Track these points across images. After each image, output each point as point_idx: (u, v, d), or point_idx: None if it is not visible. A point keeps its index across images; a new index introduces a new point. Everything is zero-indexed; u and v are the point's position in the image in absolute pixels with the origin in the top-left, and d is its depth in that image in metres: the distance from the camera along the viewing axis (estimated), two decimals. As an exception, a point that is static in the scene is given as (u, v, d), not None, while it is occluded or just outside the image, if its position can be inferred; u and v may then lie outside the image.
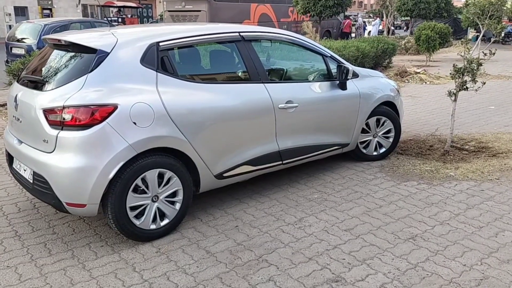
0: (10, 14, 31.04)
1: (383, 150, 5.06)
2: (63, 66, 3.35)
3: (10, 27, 26.51)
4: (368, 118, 4.79)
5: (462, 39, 5.57)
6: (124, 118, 3.06)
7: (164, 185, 3.30)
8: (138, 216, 3.22)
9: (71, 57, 3.36)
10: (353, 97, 4.57)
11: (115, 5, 32.75)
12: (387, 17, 22.23)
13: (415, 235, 3.36)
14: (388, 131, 5.03)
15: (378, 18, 26.37)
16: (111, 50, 3.21)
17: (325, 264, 2.98)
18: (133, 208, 3.18)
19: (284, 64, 4.63)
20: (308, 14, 18.54)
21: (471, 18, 10.98)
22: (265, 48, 4.51)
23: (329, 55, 4.51)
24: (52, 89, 3.18)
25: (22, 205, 3.97)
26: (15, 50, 11.99)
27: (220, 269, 2.94)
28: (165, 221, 3.36)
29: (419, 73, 11.48)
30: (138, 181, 3.16)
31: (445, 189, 4.21)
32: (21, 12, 32.01)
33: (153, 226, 3.29)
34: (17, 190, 4.27)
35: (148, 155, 3.18)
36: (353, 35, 24.34)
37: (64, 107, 3.00)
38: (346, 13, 24.76)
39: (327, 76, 4.48)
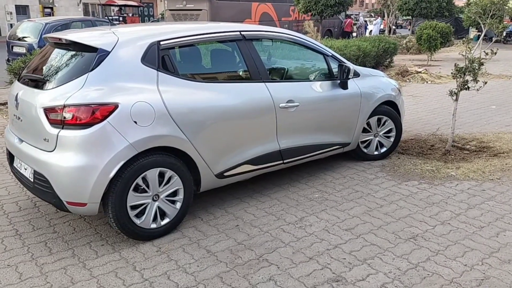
0: (11, 13, 31.06)
1: (384, 149, 5.05)
2: (64, 65, 3.35)
3: (11, 25, 26.54)
4: (369, 117, 4.78)
5: (464, 39, 5.56)
6: (125, 117, 3.06)
7: (165, 184, 3.30)
8: (138, 215, 3.22)
9: (72, 56, 3.35)
10: (354, 96, 4.56)
11: (116, 4, 32.76)
12: (388, 17, 22.20)
13: (416, 234, 3.35)
14: (389, 131, 5.02)
15: (379, 17, 26.32)
16: (112, 49, 3.20)
17: (325, 264, 2.98)
18: (133, 207, 3.18)
19: (285, 63, 4.62)
20: (309, 13, 18.52)
21: (473, 17, 10.95)
22: (266, 47, 4.50)
23: (330, 54, 4.50)
24: (53, 88, 3.18)
25: (23, 204, 3.97)
26: (16, 49, 12.00)
27: (220, 269, 2.94)
28: (166, 220, 3.36)
29: (420, 72, 11.47)
30: (139, 180, 3.16)
31: (446, 189, 4.20)
32: (22, 11, 32.02)
33: (153, 225, 3.29)
34: (17, 189, 4.27)
35: (148, 154, 3.18)
36: (354, 34, 24.31)
37: (64, 106, 3.00)
38: (347, 12, 24.75)
39: (328, 76, 4.48)
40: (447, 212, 3.73)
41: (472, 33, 22.71)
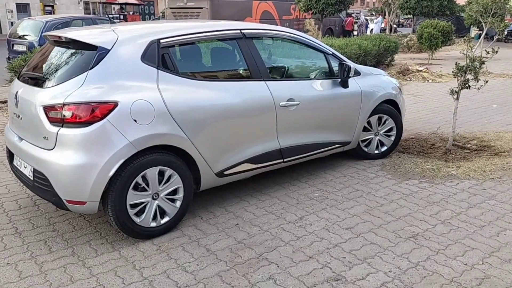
0: (12, 11, 31.06)
1: (384, 148, 5.04)
2: (64, 63, 3.34)
3: (12, 24, 26.53)
4: (370, 116, 4.77)
5: (465, 37, 5.55)
6: (125, 115, 3.05)
7: (165, 183, 3.29)
8: (138, 214, 3.21)
9: (72, 54, 3.34)
10: (355, 95, 4.55)
11: (117, 2, 32.74)
12: (389, 15, 22.15)
13: (416, 234, 3.34)
14: (390, 130, 5.01)
15: (380, 16, 26.27)
16: (112, 47, 3.20)
17: (325, 263, 2.97)
18: (133, 206, 3.17)
19: (285, 62, 4.61)
20: (310, 12, 18.49)
21: (474, 16, 10.92)
22: (267, 45, 4.49)
23: (331, 53, 4.49)
24: (53, 86, 3.17)
25: (23, 202, 3.97)
26: (16, 47, 12.00)
27: (220, 267, 2.93)
28: (166, 219, 3.36)
29: (421, 71, 11.45)
30: (139, 179, 3.15)
31: (446, 188, 4.19)
32: (23, 9, 32.02)
33: (153, 224, 3.29)
34: (17, 187, 4.27)
35: (148, 153, 3.17)
36: (355, 33, 24.27)
37: (64, 104, 2.99)
38: (348, 11, 24.70)
39: (328, 74, 4.46)
40: (448, 211, 3.72)
41: (474, 31, 22.66)
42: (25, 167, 3.34)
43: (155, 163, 3.20)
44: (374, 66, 10.48)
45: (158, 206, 3.30)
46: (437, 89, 9.64)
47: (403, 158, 5.04)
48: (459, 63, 5.13)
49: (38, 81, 3.37)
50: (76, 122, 2.98)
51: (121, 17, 31.23)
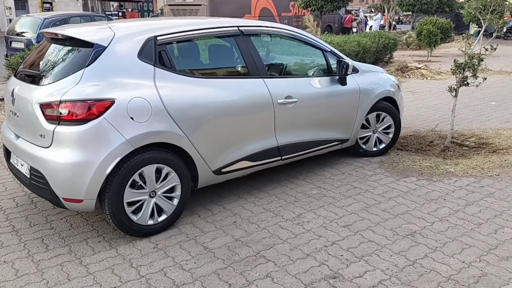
0: (10, 8, 30.94)
1: (382, 145, 5.04)
2: (60, 60, 3.32)
3: (10, 21, 26.43)
4: (368, 113, 4.76)
5: (464, 34, 5.53)
6: (121, 113, 3.04)
7: (162, 181, 3.28)
8: (135, 212, 3.21)
9: (68, 51, 3.33)
10: (353, 92, 4.54)
11: (115, -2, 32.66)
12: (388, 12, 22.12)
13: (414, 231, 3.34)
14: (388, 127, 5.00)
15: (379, 13, 26.22)
16: (108, 44, 3.18)
17: (323, 261, 2.97)
18: (130, 204, 3.16)
19: (283, 59, 4.60)
20: (309, 9, 18.44)
21: (473, 13, 10.90)
22: (265, 42, 4.47)
23: (329, 50, 4.47)
24: (49, 84, 3.16)
25: (20, 200, 3.96)
26: (14, 44, 11.96)
27: (217, 265, 2.93)
28: (163, 217, 3.35)
29: (420, 68, 11.44)
30: (136, 177, 3.14)
31: (444, 185, 4.19)
32: (21, 6, 31.90)
33: (150, 222, 3.28)
34: (15, 185, 4.26)
35: (145, 150, 3.16)
36: (354, 30, 24.23)
37: (60, 102, 2.98)
38: (347, 8, 24.65)
39: (327, 71, 4.45)
40: (446, 208, 3.72)
41: (473, 28, 22.63)
42: (22, 165, 3.33)
43: (152, 161, 3.19)
44: (373, 63, 10.48)
45: (155, 204, 3.29)
46: (436, 86, 9.62)
47: (401, 155, 5.03)
48: (457, 60, 5.12)
49: (34, 79, 3.36)
50: (72, 120, 2.97)
51: (120, 14, 31.13)
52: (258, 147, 3.84)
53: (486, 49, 5.11)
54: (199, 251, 3.10)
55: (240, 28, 3.86)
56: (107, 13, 24.07)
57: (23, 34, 12.04)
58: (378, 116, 4.90)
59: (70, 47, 3.34)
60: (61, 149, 2.99)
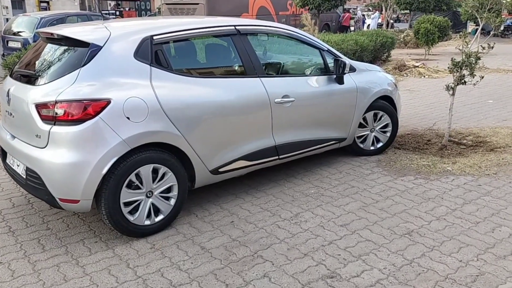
0: (7, 7, 30.83)
1: (380, 144, 5.03)
2: (56, 60, 3.31)
3: (7, 20, 26.33)
4: (365, 112, 4.76)
5: (461, 33, 5.53)
6: (117, 113, 3.03)
7: (159, 181, 3.27)
8: (132, 212, 3.19)
9: (64, 51, 3.31)
10: (350, 91, 4.53)
11: (112, -2, 32.54)
12: (386, 11, 22.11)
13: (411, 230, 3.34)
14: (386, 126, 5.00)
15: (377, 12, 26.25)
16: (104, 44, 3.16)
17: (320, 260, 2.96)
18: (127, 204, 3.15)
19: (280, 58, 4.58)
20: (307, 7, 18.42)
21: (470, 11, 10.90)
22: (262, 42, 4.46)
23: (326, 49, 4.47)
24: (45, 84, 3.14)
25: (17, 200, 3.94)
26: (11, 44, 11.91)
27: (214, 265, 2.92)
28: (160, 217, 3.34)
29: (417, 66, 11.43)
30: (132, 177, 3.13)
31: (442, 184, 4.19)
32: (18, 5, 31.78)
33: (147, 222, 3.27)
34: (11, 185, 4.24)
35: (142, 150, 3.15)
36: (352, 28, 24.22)
37: (56, 102, 2.96)
38: (345, 7, 24.62)
39: (324, 70, 4.44)
40: (443, 207, 3.72)
41: (470, 27, 22.64)
42: (18, 166, 3.32)
43: (149, 161, 3.18)
44: (370, 62, 10.47)
45: (152, 204, 3.28)
46: (434, 84, 9.62)
47: (398, 154, 5.03)
48: (454, 59, 5.11)
49: (30, 79, 3.34)
50: (68, 120, 2.96)
51: (117, 13, 31.04)
52: (255, 146, 3.83)
53: (483, 48, 5.10)
54: (196, 251, 3.09)
55: (237, 27, 3.85)
56: (103, 12, 23.97)
57: (20, 33, 12.00)
58: (375, 115, 4.89)
59: (65, 47, 3.32)
60: (57, 150, 2.97)
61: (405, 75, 11.03)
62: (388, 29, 20.12)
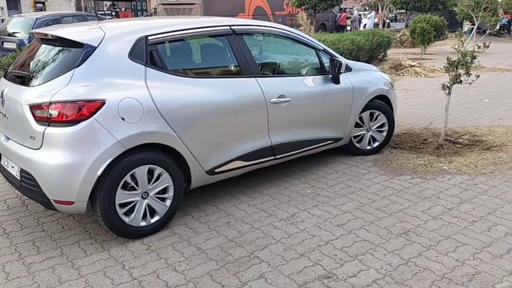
0: (2, 8, 30.71)
1: (376, 144, 5.03)
2: (50, 61, 3.29)
3: (2, 21, 26.23)
4: (362, 112, 4.75)
5: (456, 32, 5.53)
6: (112, 113, 3.01)
7: (154, 182, 3.25)
8: (127, 213, 3.17)
9: (58, 52, 3.29)
10: (346, 91, 4.53)
11: (108, -2, 32.45)
12: (382, 10, 22.14)
13: (407, 230, 3.33)
14: (382, 125, 4.99)
15: (373, 11, 26.27)
16: (99, 44, 3.15)
17: (316, 260, 2.95)
18: (122, 205, 3.13)
19: (276, 58, 4.58)
20: (303, 7, 18.43)
21: (466, 10, 10.93)
22: (257, 42, 4.45)
23: (322, 48, 4.46)
24: (39, 85, 3.12)
25: (11, 202, 3.92)
26: (6, 45, 11.86)
27: (210, 266, 2.91)
28: (156, 218, 3.32)
29: (414, 66, 11.45)
30: (127, 178, 3.11)
31: (438, 183, 4.19)
32: (13, 6, 31.66)
33: (143, 223, 3.25)
34: (6, 187, 4.21)
35: (137, 151, 3.13)
36: (348, 28, 24.24)
37: (50, 103, 2.94)
38: (341, 6, 24.66)
39: (320, 70, 4.44)
40: (439, 206, 3.71)
41: (466, 26, 22.70)
42: (12, 167, 3.30)
43: (144, 162, 3.16)
44: (367, 61, 10.47)
45: (148, 205, 3.26)
46: (430, 84, 9.64)
47: (395, 153, 5.03)
48: (450, 58, 5.12)
49: (24, 80, 3.32)
50: (62, 121, 2.94)
51: (113, 13, 30.95)
52: (252, 146, 3.82)
53: (479, 47, 5.11)
54: (192, 252, 3.08)
55: (232, 27, 3.84)
56: (99, 12, 23.90)
57: (15, 34, 11.95)
58: (371, 114, 4.89)
59: (60, 48, 3.30)
60: (51, 151, 2.95)
61: (401, 74, 11.04)
62: (385, 28, 20.14)
